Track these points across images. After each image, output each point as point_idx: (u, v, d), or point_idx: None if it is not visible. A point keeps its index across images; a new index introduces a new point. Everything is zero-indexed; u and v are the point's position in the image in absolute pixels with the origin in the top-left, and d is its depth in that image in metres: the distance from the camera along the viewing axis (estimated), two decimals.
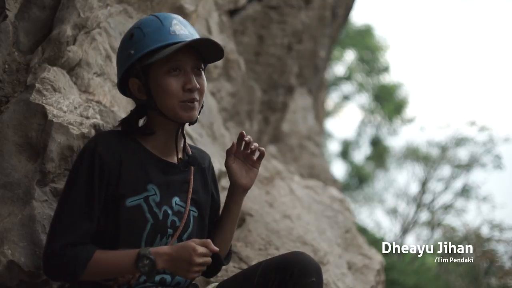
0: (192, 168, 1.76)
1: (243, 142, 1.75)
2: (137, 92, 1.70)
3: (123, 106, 2.29)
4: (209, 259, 1.52)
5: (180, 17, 1.74)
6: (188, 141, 1.85)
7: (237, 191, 1.79)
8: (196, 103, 1.67)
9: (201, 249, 1.50)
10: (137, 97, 1.71)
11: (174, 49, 1.60)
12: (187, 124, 1.74)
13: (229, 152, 1.77)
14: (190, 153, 1.81)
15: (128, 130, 1.71)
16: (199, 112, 1.72)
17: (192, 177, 1.75)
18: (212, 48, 1.67)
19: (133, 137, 1.70)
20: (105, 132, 1.91)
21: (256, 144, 1.77)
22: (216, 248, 1.52)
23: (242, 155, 1.77)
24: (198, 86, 1.65)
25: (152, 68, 1.64)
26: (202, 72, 1.71)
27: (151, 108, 1.68)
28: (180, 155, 1.76)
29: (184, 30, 1.68)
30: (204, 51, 1.69)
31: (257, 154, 1.77)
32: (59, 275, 1.57)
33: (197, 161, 1.76)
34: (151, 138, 1.71)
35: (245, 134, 1.75)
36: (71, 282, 1.61)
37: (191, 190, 1.73)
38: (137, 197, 1.62)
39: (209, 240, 1.53)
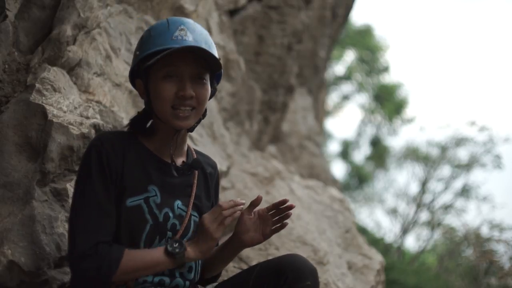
0: (196, 172, 1.76)
1: (276, 209, 1.68)
2: (141, 93, 1.72)
3: (123, 106, 2.29)
4: (234, 210, 1.57)
5: (191, 22, 1.70)
6: (189, 142, 1.85)
7: (236, 244, 1.73)
8: (191, 111, 1.64)
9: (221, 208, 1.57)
10: (142, 98, 1.73)
11: (162, 55, 1.58)
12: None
13: (252, 205, 1.68)
14: (195, 157, 1.80)
15: (135, 129, 1.71)
16: (199, 121, 1.71)
17: (195, 181, 1.75)
18: (208, 56, 1.63)
19: (137, 138, 1.70)
20: (108, 131, 1.92)
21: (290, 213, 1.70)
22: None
23: (263, 217, 1.70)
24: (192, 94, 1.62)
25: (152, 71, 1.64)
26: (205, 81, 1.67)
27: (150, 110, 1.69)
28: (183, 159, 1.75)
29: (188, 36, 1.64)
30: (207, 59, 1.65)
31: (275, 226, 1.70)
32: (92, 277, 1.49)
33: (200, 164, 1.74)
34: (154, 140, 1.71)
35: (288, 200, 1.67)
36: (105, 284, 1.52)
37: (193, 194, 1.72)
38: (137, 197, 1.62)
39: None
